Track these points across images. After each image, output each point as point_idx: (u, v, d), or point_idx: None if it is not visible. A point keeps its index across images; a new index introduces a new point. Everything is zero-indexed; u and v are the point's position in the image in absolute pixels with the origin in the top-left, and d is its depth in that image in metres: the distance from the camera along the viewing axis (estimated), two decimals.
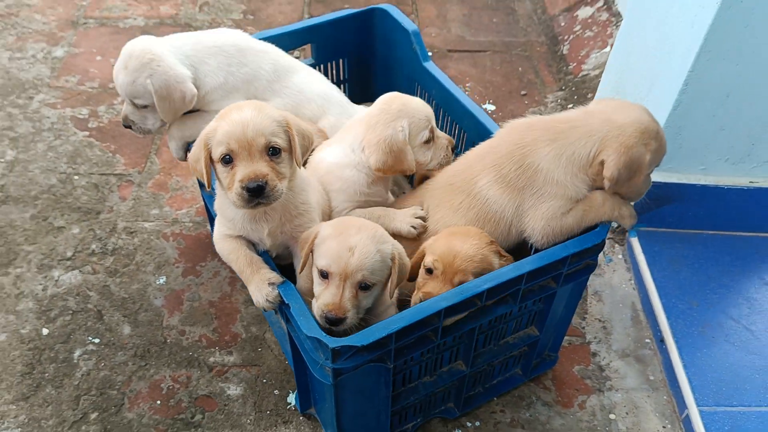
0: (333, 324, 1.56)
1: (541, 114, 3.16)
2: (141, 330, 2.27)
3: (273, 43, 2.32)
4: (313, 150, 1.97)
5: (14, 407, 2.05)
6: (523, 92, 3.28)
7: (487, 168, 1.82)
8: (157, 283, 2.41)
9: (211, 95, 2.02)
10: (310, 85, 2.15)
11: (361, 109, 2.26)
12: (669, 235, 2.47)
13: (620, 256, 2.54)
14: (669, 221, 2.45)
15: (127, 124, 2.08)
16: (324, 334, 1.49)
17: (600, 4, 3.49)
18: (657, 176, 2.30)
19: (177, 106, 1.96)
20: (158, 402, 2.09)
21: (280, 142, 1.57)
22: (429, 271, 1.73)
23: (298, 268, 1.71)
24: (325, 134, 2.07)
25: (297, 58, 2.29)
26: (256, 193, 1.52)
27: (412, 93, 2.20)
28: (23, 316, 2.28)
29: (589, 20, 3.48)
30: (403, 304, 1.78)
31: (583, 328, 2.34)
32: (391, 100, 1.97)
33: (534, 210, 1.78)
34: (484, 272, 1.69)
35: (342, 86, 2.59)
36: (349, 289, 1.55)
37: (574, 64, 3.36)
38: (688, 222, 2.44)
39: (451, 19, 3.73)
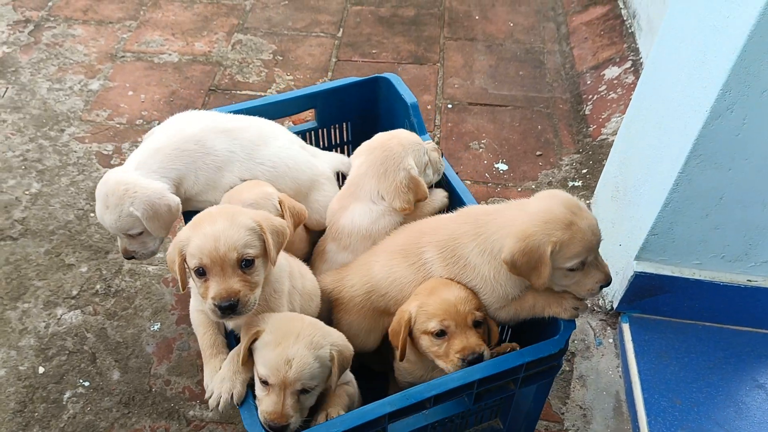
0: (277, 431, 1.57)
1: (553, 177, 3.13)
2: (129, 376, 2.37)
3: (278, 107, 2.40)
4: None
5: None
6: (538, 152, 3.26)
7: (433, 244, 1.89)
8: (152, 329, 2.51)
9: (192, 191, 2.07)
10: (280, 157, 2.15)
11: (325, 156, 2.38)
12: (661, 323, 2.41)
13: (611, 340, 2.49)
14: (662, 310, 2.39)
15: (129, 256, 2.12)
16: None
17: (627, 65, 3.43)
18: (649, 267, 2.27)
19: (167, 219, 2.01)
20: None
21: (252, 252, 1.57)
22: (439, 334, 1.76)
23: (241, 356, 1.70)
24: (303, 214, 2.08)
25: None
26: (229, 311, 1.55)
27: None
28: (24, 352, 2.42)
29: (615, 81, 3.42)
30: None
31: (563, 413, 2.32)
32: (387, 144, 2.11)
33: None
34: (479, 304, 1.81)
35: (345, 147, 2.64)
36: (289, 396, 1.56)
37: (594, 126, 3.31)
38: (682, 312, 2.38)
39: (476, 70, 3.72)
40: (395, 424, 1.70)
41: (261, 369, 1.58)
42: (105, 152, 3.17)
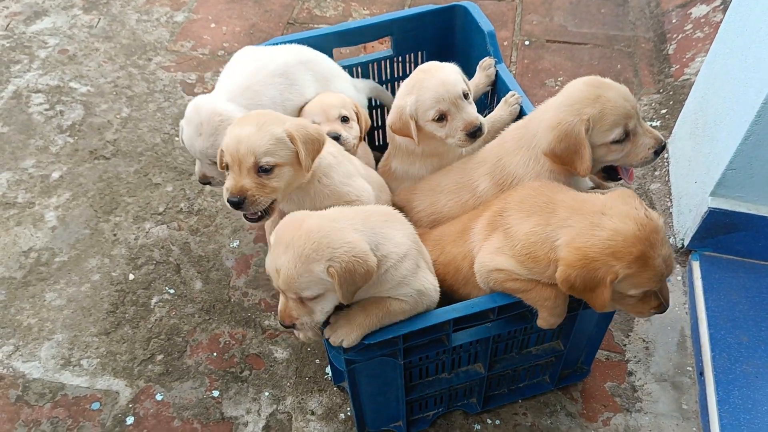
0: (236, 206, 1.69)
1: None
2: (210, 287, 2.53)
3: (355, 34, 2.44)
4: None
5: (97, 339, 2.39)
6: None
7: (484, 175, 1.95)
8: (231, 246, 2.66)
9: None
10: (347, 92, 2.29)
11: (361, 84, 2.47)
12: (733, 263, 2.37)
13: (679, 278, 2.47)
14: (736, 249, 2.36)
15: (206, 181, 2.18)
16: None
17: (717, 3, 3.28)
18: (725, 204, 2.24)
19: None
20: (215, 354, 2.35)
21: (272, 160, 1.67)
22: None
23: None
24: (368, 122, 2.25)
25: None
26: (236, 206, 1.69)
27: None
28: (116, 260, 2.62)
29: (702, 20, 3.28)
30: None
31: (625, 345, 2.34)
32: (415, 73, 2.08)
33: None
34: None
35: None
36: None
37: (677, 66, 3.20)
38: (757, 252, 2.33)
39: (556, 7, 3.64)
40: (459, 334, 1.78)
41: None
42: (189, 81, 3.31)
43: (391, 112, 2.11)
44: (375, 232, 1.60)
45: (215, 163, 2.08)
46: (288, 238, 1.48)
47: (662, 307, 1.64)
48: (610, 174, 1.89)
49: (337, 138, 2.06)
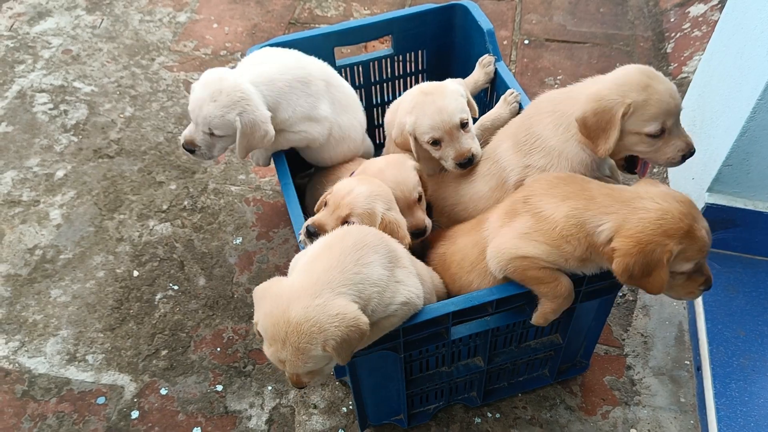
0: (313, 235, 1.82)
1: None
2: (214, 283, 2.57)
3: (356, 32, 2.47)
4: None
5: (102, 335, 2.42)
6: None
7: (506, 135, 1.98)
8: (234, 242, 2.69)
9: (284, 123, 2.17)
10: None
11: None
12: (731, 258, 2.40)
13: None
14: (733, 245, 2.38)
15: (190, 148, 2.12)
16: None
17: (714, 2, 3.30)
18: (721, 199, 2.27)
19: (255, 143, 2.09)
20: (218, 349, 2.38)
21: (359, 221, 1.81)
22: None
23: None
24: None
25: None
26: (311, 235, 1.83)
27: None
28: (120, 257, 2.65)
29: (700, 18, 3.31)
30: None
31: (623, 339, 2.37)
32: (418, 93, 2.11)
33: None
34: None
35: (421, 76, 2.69)
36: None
37: (675, 64, 3.23)
38: (753, 248, 2.36)
39: (555, 6, 3.67)
40: (458, 327, 1.81)
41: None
42: (192, 80, 3.34)
43: (395, 127, 2.13)
44: (355, 280, 1.55)
45: (212, 134, 2.08)
46: (282, 335, 1.48)
47: (709, 281, 1.66)
48: (629, 165, 1.89)
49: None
